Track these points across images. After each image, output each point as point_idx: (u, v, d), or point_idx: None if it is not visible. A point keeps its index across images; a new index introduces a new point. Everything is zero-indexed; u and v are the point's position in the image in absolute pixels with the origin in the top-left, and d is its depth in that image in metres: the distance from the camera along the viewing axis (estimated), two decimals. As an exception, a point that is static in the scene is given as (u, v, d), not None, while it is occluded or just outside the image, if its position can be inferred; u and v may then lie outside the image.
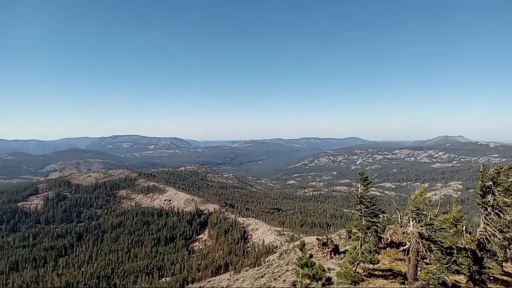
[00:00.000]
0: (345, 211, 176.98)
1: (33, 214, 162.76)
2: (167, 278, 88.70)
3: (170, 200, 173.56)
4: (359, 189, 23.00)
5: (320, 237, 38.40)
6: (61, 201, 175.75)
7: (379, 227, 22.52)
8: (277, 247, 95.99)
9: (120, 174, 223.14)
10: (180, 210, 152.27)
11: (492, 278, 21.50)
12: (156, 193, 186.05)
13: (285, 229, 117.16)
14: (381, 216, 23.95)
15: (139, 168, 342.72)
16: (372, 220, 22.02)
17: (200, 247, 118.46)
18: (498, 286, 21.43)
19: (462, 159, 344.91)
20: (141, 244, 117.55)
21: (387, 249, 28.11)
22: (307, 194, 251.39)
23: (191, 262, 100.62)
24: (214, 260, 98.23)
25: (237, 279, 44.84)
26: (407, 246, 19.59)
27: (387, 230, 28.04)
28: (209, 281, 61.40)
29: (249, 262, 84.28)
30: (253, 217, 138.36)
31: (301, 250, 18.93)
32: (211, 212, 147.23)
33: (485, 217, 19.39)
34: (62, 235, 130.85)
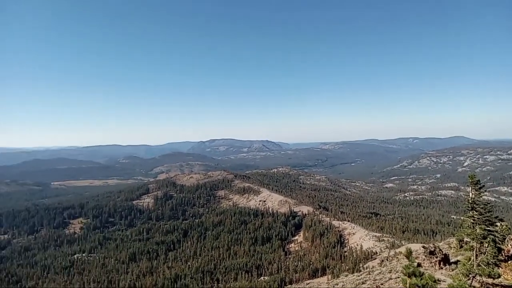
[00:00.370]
0: (453, 218, 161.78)
1: (145, 211, 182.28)
2: (266, 277, 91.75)
3: (264, 201, 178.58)
4: (470, 194, 21.43)
5: (426, 245, 36.26)
6: (168, 200, 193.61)
7: (497, 237, 20.66)
8: (376, 253, 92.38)
9: (218, 175, 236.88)
10: (274, 211, 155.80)
11: None
12: (251, 194, 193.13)
13: (384, 234, 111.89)
14: (498, 224, 21.97)
15: (235, 169, 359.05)
16: (488, 228, 20.35)
17: (296, 248, 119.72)
18: None
19: None
20: (239, 242, 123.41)
21: (509, 262, 25.52)
22: (407, 198, 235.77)
23: (287, 263, 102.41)
24: (311, 263, 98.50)
25: (336, 284, 44.68)
26: (535, 261, 17.83)
27: (507, 241, 25.45)
28: (308, 283, 62.07)
29: (347, 267, 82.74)
30: (348, 220, 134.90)
31: (407, 258, 18.47)
32: (305, 214, 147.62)
33: None
34: (170, 231, 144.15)
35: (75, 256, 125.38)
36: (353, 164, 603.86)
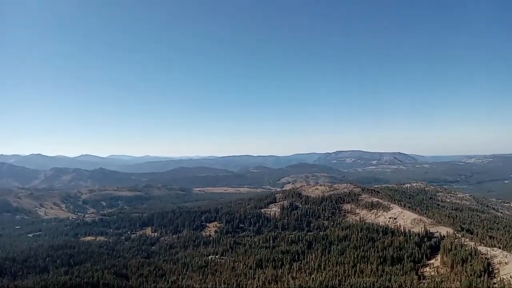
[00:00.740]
0: None
1: (272, 219, 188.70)
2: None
3: (395, 218, 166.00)
4: None
5: None
6: (294, 210, 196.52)
7: None
8: (538, 290, 76.21)
9: (344, 188, 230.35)
10: (406, 230, 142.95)
11: None
12: (380, 210, 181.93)
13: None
14: None
15: (362, 183, 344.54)
16: None
17: (432, 273, 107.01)
18: None
19: None
20: (366, 260, 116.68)
21: None
22: None
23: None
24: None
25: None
26: None
27: None
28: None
29: (497, 302, 70.28)
30: (499, 247, 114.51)
31: None
32: (443, 236, 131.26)
33: None
34: (295, 242, 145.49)
35: (209, 257, 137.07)
36: (506, 181, 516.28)
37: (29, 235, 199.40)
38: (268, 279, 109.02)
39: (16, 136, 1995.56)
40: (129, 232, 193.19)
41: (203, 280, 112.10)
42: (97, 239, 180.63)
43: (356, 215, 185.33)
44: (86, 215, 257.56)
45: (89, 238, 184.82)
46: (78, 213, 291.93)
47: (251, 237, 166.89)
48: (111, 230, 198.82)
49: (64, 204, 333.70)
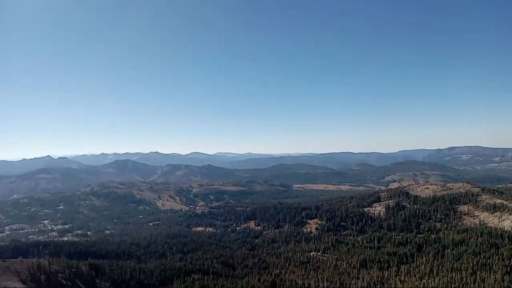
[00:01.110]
0: None
1: (376, 219, 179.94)
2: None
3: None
4: None
5: None
6: (400, 211, 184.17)
7: None
8: None
9: (459, 188, 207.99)
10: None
11: None
12: (505, 213, 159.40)
13: None
14: None
15: (480, 182, 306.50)
16: None
17: None
18: None
19: None
20: (488, 268, 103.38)
21: None
22: None
23: (562, 307, 78.61)
24: None
25: None
26: None
27: None
28: None
29: None
30: None
31: None
32: None
33: None
34: (403, 243, 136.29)
35: (311, 253, 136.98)
36: None
37: (150, 223, 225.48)
38: (373, 280, 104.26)
39: (140, 136, 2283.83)
40: (234, 225, 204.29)
41: (305, 276, 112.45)
42: (206, 230, 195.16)
43: (475, 217, 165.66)
44: (197, 208, 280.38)
45: (199, 228, 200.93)
46: (190, 205, 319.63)
47: (353, 236, 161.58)
48: (219, 222, 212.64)
49: (178, 197, 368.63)
